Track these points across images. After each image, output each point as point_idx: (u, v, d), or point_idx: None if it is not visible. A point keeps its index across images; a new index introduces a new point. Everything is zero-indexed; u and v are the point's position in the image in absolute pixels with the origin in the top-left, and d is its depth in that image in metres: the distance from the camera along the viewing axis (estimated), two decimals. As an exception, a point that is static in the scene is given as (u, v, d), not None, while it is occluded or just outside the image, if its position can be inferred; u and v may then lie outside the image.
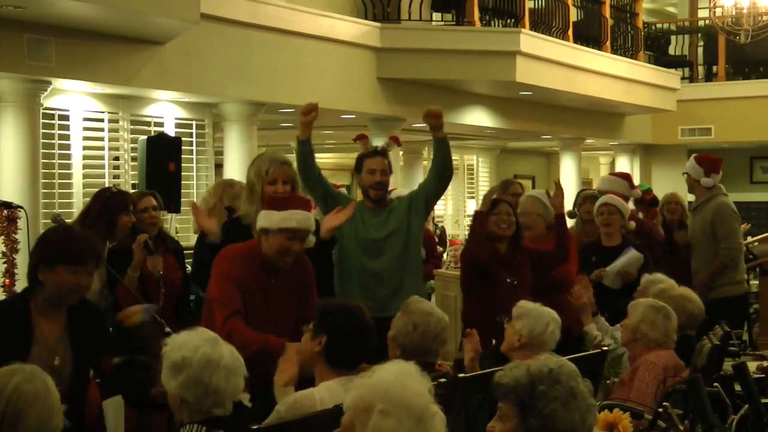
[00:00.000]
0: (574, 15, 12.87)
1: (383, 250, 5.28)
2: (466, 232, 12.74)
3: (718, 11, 13.22)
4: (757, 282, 9.34)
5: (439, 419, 2.35)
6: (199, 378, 3.03)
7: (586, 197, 7.61)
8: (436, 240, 10.31)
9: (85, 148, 8.50)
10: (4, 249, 6.19)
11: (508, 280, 5.59)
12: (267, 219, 4.30)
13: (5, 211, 6.04)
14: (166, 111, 9.12)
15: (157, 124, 9.00)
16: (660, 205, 8.14)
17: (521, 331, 4.35)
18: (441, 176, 5.44)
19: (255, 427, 3.03)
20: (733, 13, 13.07)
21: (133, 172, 8.65)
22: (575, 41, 12.54)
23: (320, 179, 5.30)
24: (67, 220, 5.29)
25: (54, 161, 8.18)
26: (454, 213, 16.96)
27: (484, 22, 11.26)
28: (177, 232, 8.75)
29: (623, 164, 16.65)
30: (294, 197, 4.55)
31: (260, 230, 4.33)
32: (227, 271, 4.30)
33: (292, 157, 5.02)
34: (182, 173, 8.16)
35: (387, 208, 5.38)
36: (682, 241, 7.85)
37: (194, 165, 9.25)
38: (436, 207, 12.16)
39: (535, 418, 2.52)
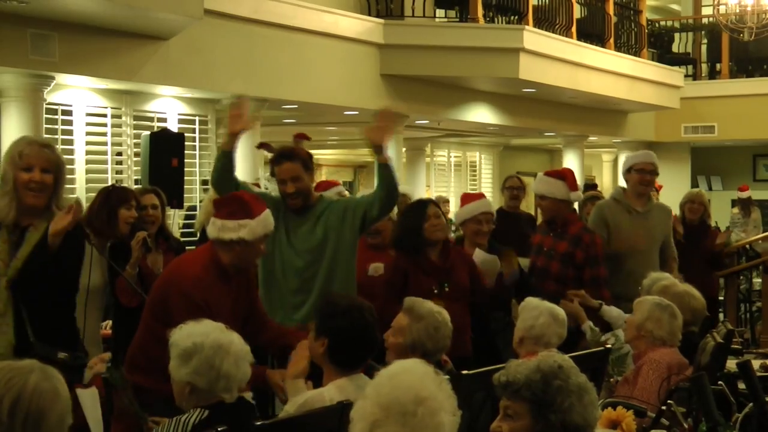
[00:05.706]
0: (577, 12, 12.85)
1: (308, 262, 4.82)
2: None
3: (722, 9, 13.21)
4: (760, 280, 9.34)
5: (431, 414, 2.33)
6: (211, 362, 3.11)
7: (587, 199, 7.69)
8: None
9: (88, 143, 8.51)
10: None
11: (435, 290, 5.14)
12: (241, 231, 4.02)
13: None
14: (169, 106, 9.12)
15: (160, 120, 9.00)
16: (681, 203, 7.90)
17: (519, 325, 4.43)
18: (387, 203, 4.89)
19: (260, 423, 3.04)
20: (737, 11, 13.06)
21: (135, 168, 8.66)
22: (579, 38, 12.52)
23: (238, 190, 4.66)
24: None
25: (57, 156, 8.17)
26: (457, 210, 16.88)
27: (488, 19, 11.25)
28: (180, 228, 8.75)
29: (626, 162, 16.65)
30: (251, 197, 4.22)
31: (228, 242, 4.03)
32: (191, 293, 3.98)
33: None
34: (185, 169, 8.16)
35: (311, 213, 4.87)
36: (720, 244, 7.82)
37: (197, 161, 9.25)
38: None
39: (554, 414, 2.52)
